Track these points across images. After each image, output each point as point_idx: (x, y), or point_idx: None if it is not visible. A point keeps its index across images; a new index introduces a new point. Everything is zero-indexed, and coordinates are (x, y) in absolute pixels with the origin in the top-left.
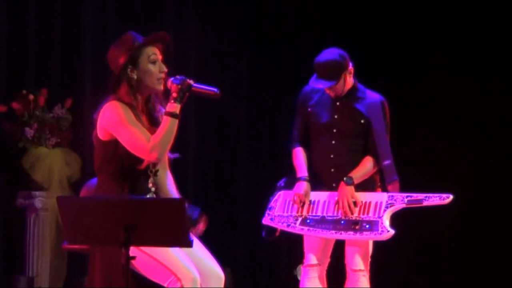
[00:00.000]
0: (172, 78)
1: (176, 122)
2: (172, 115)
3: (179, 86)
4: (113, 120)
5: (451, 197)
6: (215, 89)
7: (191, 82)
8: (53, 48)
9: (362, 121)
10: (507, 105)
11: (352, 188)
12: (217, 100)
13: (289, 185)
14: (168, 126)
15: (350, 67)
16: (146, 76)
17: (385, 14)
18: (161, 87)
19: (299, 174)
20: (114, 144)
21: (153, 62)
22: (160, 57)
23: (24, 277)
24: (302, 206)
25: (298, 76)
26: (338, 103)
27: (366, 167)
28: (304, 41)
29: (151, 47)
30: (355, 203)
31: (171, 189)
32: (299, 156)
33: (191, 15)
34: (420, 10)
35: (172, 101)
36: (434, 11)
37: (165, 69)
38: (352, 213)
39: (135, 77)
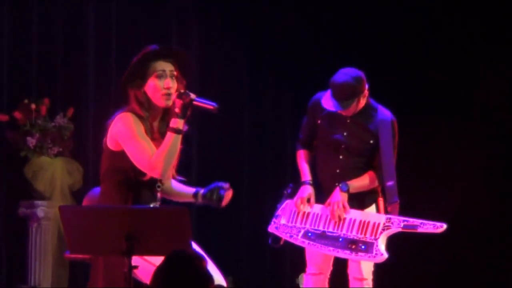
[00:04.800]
0: (176, 94)
1: (179, 137)
2: (175, 130)
3: (182, 101)
4: (123, 132)
5: (445, 226)
6: (214, 104)
7: (193, 96)
8: (55, 57)
9: (372, 141)
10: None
11: (345, 195)
12: (219, 109)
13: (296, 192)
14: (172, 142)
15: (365, 90)
16: (150, 91)
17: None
18: (165, 104)
19: (303, 178)
20: (121, 155)
21: (159, 76)
22: (174, 72)
23: (26, 286)
24: (305, 204)
25: (301, 85)
26: (348, 120)
27: (364, 180)
28: (306, 51)
29: (164, 62)
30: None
31: (181, 189)
32: (302, 159)
33: (193, 22)
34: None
35: (175, 116)
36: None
37: (170, 85)
38: (340, 219)
39: (142, 90)
